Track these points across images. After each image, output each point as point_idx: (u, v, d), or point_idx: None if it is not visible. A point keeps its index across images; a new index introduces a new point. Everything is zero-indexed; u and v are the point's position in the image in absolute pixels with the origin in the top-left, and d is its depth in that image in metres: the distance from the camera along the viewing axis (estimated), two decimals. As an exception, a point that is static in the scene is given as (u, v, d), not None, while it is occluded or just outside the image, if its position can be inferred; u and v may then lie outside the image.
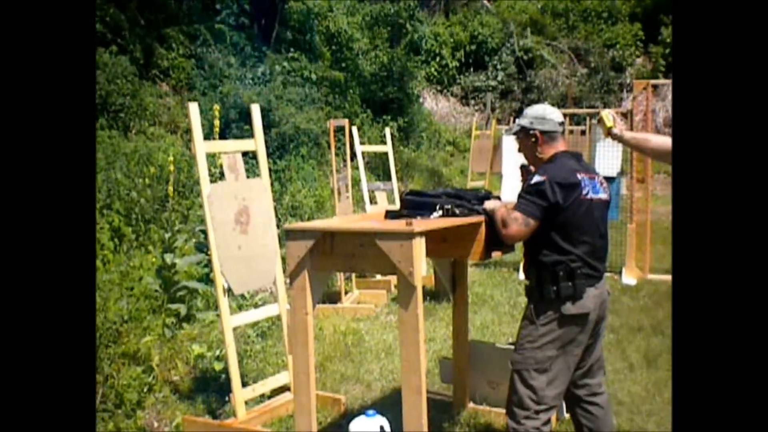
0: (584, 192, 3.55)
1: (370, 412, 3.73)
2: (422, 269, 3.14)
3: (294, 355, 3.51)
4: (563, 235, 3.48)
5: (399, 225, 3.21)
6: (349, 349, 6.34)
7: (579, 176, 3.56)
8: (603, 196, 3.68)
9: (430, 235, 3.48)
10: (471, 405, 4.89)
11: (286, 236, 3.42)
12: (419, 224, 3.21)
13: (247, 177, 5.01)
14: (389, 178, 9.40)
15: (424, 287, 8.09)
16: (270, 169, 12.39)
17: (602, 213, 3.68)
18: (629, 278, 9.17)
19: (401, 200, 3.71)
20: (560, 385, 3.54)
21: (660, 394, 5.17)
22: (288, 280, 3.53)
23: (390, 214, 3.63)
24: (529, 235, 3.51)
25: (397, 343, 6.49)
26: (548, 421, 3.54)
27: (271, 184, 11.72)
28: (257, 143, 5.01)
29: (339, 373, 5.73)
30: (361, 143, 15.00)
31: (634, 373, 5.65)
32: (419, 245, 3.11)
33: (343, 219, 3.95)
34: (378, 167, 15.04)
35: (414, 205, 3.63)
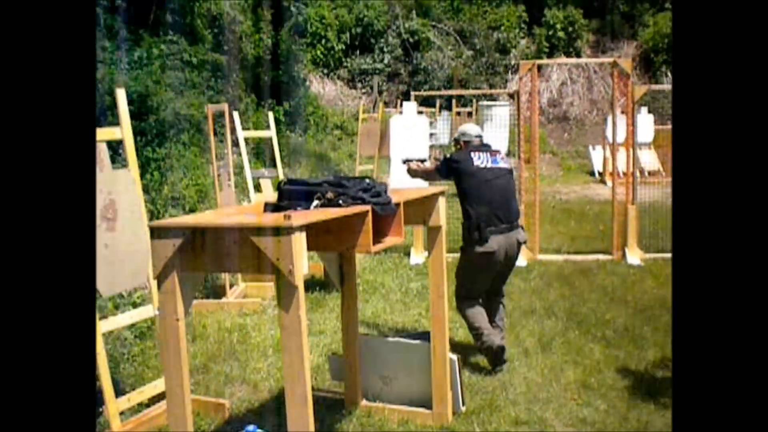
0: (476, 162, 5.34)
1: (250, 427, 3.42)
2: (303, 267, 2.84)
3: (165, 365, 3.16)
4: (468, 198, 5.27)
5: (276, 219, 2.90)
6: (234, 347, 5.98)
7: (472, 154, 5.40)
8: (502, 164, 5.45)
9: (312, 228, 3.21)
10: (364, 402, 4.66)
11: (151, 235, 3.06)
12: (298, 217, 2.91)
13: (115, 168, 4.58)
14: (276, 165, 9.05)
15: (312, 277, 7.84)
16: (149, 158, 11.83)
17: (502, 179, 5.39)
18: (520, 259, 9.10)
19: (279, 190, 3.40)
20: (476, 293, 5.46)
21: (557, 381, 5.07)
22: (156, 283, 3.16)
23: (268, 207, 3.31)
24: (433, 176, 5.80)
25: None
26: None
27: (151, 174, 11.21)
28: (123, 131, 4.58)
29: (223, 375, 5.37)
30: (246, 129, 14.58)
31: (529, 358, 5.54)
32: (299, 240, 2.81)
33: (216, 213, 3.60)
34: (264, 153, 14.60)
35: (292, 195, 3.32)
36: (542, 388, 4.96)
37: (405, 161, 5.98)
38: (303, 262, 2.84)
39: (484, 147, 5.55)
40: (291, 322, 2.86)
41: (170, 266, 3.04)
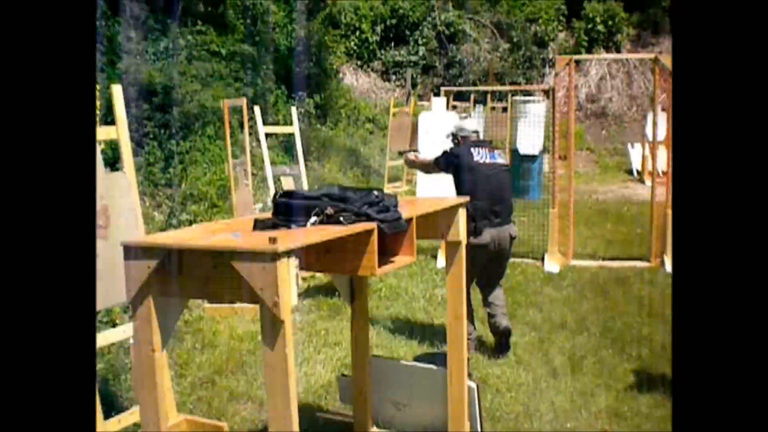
0: (475, 157, 5.56)
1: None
2: (292, 298, 2.46)
3: (140, 402, 2.81)
4: (466, 192, 5.18)
5: (261, 241, 2.52)
6: (243, 358, 5.65)
7: (472, 150, 5.61)
8: (499, 160, 5.70)
9: (309, 248, 2.84)
10: (374, 429, 4.28)
11: (125, 255, 2.70)
12: (286, 239, 2.52)
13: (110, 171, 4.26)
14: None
15: (331, 282, 7.43)
16: (173, 151, 11.56)
17: (500, 175, 5.60)
18: (552, 264, 8.69)
19: (273, 204, 3.02)
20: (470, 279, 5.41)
21: (586, 407, 4.65)
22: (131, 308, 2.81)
23: (258, 225, 2.93)
24: (432, 169, 5.95)
25: (300, 347, 5.84)
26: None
27: (174, 168, 10.91)
28: (119, 130, 4.24)
29: (229, 390, 5.04)
30: (276, 122, 14.21)
31: (558, 380, 5.13)
32: (286, 268, 2.43)
33: (201, 228, 3.22)
34: (292, 148, 14.24)
35: (287, 210, 2.94)
36: (570, 416, 4.55)
37: (401, 152, 6.67)
38: (291, 293, 2.46)
39: (483, 142, 5.93)
40: (276, 361, 2.49)
41: (145, 290, 2.68)
